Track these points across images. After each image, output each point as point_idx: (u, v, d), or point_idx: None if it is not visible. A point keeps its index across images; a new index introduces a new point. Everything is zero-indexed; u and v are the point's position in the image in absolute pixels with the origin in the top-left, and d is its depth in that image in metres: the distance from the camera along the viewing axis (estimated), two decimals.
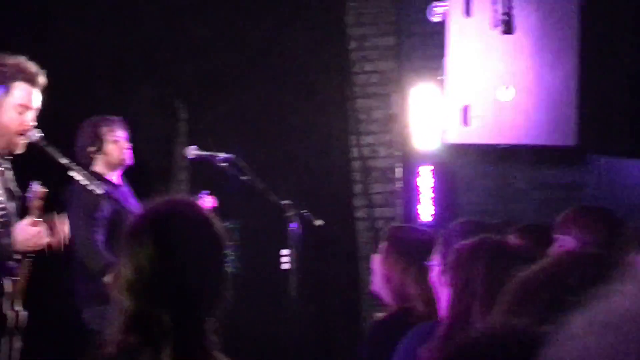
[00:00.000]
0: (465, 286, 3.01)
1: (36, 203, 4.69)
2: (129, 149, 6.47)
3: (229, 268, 2.32)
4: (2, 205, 4.80)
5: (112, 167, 6.42)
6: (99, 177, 6.27)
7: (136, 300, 2.22)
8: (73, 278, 6.20)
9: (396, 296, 4.08)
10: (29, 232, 4.65)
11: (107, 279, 6.06)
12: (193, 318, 2.22)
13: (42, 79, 4.84)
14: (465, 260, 3.03)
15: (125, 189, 6.48)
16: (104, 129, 6.39)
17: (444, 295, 3.18)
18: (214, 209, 6.26)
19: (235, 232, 7.46)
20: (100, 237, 6.03)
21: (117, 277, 2.28)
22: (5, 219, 4.81)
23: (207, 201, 6.40)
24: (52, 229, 4.86)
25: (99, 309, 6.16)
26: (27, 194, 4.70)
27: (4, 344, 4.77)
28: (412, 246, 4.09)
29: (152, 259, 2.21)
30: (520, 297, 1.83)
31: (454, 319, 3.02)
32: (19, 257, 4.74)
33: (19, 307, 4.79)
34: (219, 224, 2.31)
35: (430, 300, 3.71)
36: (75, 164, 4.98)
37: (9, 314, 4.75)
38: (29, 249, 4.70)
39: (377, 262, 4.23)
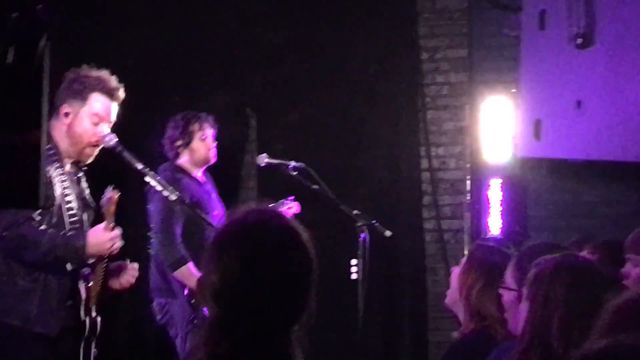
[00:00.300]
0: (544, 303, 2.99)
1: (110, 208, 4.73)
2: (214, 147, 6.59)
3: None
4: (77, 217, 4.84)
5: (196, 163, 6.58)
6: (183, 171, 6.45)
7: (222, 308, 2.23)
8: (147, 269, 6.32)
9: (473, 314, 4.01)
10: (103, 237, 4.69)
11: (178, 273, 6.21)
12: (278, 328, 2.23)
13: (120, 93, 4.90)
14: (546, 278, 3.01)
15: (209, 187, 6.60)
16: (194, 126, 6.55)
17: (520, 314, 3.14)
18: (296, 215, 6.32)
19: None
20: (178, 231, 6.18)
21: (202, 284, 2.29)
22: (78, 230, 4.85)
23: (291, 207, 6.46)
24: (121, 270, 4.92)
25: (166, 301, 6.29)
26: (102, 200, 4.75)
27: (81, 350, 4.82)
28: (493, 266, 4.02)
29: (238, 268, 2.21)
30: (617, 321, 1.82)
31: (532, 337, 3.00)
32: (92, 261, 4.79)
33: (94, 313, 4.84)
34: (305, 235, 2.32)
35: (506, 323, 3.69)
36: (149, 169, 5.01)
37: (87, 320, 4.80)
38: (103, 253, 4.74)
39: (455, 276, 4.17)
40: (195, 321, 6.12)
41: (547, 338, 2.95)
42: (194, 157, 6.57)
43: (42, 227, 4.63)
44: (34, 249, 4.59)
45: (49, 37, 2.06)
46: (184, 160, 6.58)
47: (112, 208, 4.73)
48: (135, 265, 4.96)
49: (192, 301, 6.16)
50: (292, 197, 6.53)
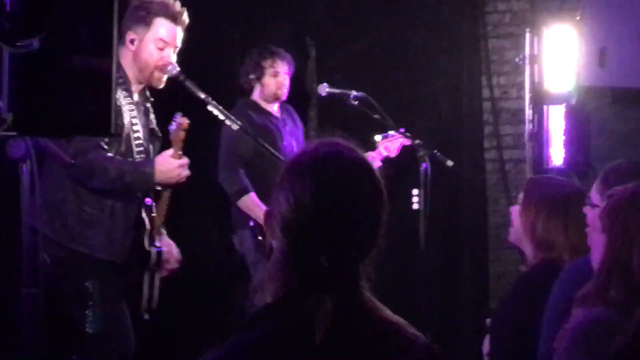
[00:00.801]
0: (624, 233, 2.96)
1: (179, 135, 4.73)
2: (286, 85, 6.61)
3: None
4: (143, 147, 4.87)
5: (267, 99, 6.62)
6: (255, 105, 6.50)
7: (292, 239, 2.21)
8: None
9: (541, 246, 4.01)
10: (171, 164, 4.70)
11: (241, 202, 6.29)
12: (349, 262, 2.21)
13: (184, 17, 4.89)
14: (623, 207, 2.97)
15: (285, 121, 6.65)
16: (267, 61, 6.59)
17: (598, 242, 3.12)
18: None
19: None
20: (241, 162, 6.25)
21: (270, 215, 2.27)
22: (144, 158, 4.88)
23: (399, 137, 6.48)
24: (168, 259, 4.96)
25: (241, 232, 6.38)
26: (170, 126, 4.76)
27: (145, 281, 4.88)
28: (554, 196, 4.02)
29: (309, 199, 2.19)
30: None
31: (611, 267, 2.97)
32: (158, 189, 4.82)
33: (157, 243, 4.88)
34: (378, 171, 2.30)
35: (577, 249, 3.68)
36: (215, 103, 5.01)
37: (152, 250, 4.85)
38: (170, 181, 4.75)
39: (516, 213, 4.16)
40: (261, 251, 6.20)
41: (628, 268, 2.93)
42: (264, 92, 6.61)
43: (110, 154, 4.66)
44: (102, 175, 4.62)
45: None
46: (256, 94, 6.65)
47: (181, 135, 4.73)
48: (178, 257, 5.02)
49: (257, 231, 6.23)
50: (403, 129, 6.51)
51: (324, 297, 2.13)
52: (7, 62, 2.05)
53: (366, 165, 2.27)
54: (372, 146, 6.67)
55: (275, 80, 6.60)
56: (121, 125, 4.68)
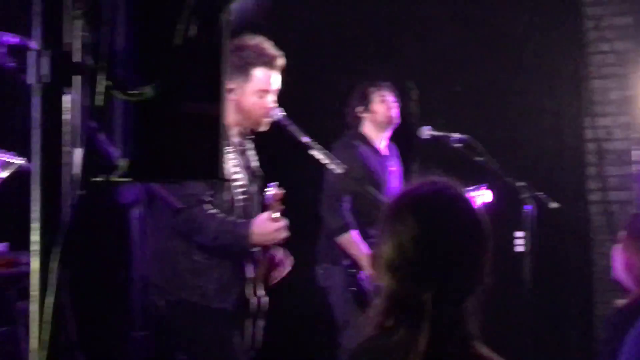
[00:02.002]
0: None
1: (274, 204, 4.77)
2: (396, 109, 6.65)
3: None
4: (246, 189, 4.91)
5: (379, 126, 6.66)
6: (363, 139, 6.54)
7: (396, 280, 2.23)
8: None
9: (638, 284, 3.99)
10: (267, 227, 4.72)
11: (341, 239, 6.29)
12: (452, 301, 2.21)
13: (280, 61, 4.91)
14: None
15: (391, 160, 6.67)
16: (372, 89, 6.67)
17: None
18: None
19: None
20: (345, 200, 6.26)
21: (376, 256, 2.29)
22: (247, 202, 4.92)
23: (484, 194, 6.44)
24: (273, 262, 4.98)
25: (328, 267, 6.37)
26: (266, 196, 4.80)
27: (247, 327, 4.91)
28: None
29: (414, 238, 2.20)
30: None
31: None
32: (256, 249, 4.86)
33: (261, 292, 4.91)
34: (480, 211, 2.30)
35: None
36: (315, 143, 5.04)
37: (252, 300, 4.88)
38: (267, 243, 4.79)
39: (617, 251, 4.13)
40: (353, 290, 6.20)
41: None
42: (376, 119, 6.67)
43: (212, 210, 4.71)
44: (203, 233, 4.68)
45: (227, 11, 2.11)
46: (366, 127, 6.71)
47: (276, 206, 4.77)
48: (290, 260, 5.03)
49: (351, 270, 6.23)
50: (486, 185, 6.48)
51: (421, 335, 2.14)
52: (120, 109, 2.10)
53: (467, 204, 2.27)
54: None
55: (384, 105, 6.66)
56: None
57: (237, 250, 4.78)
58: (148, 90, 2.01)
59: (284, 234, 4.77)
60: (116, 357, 4.10)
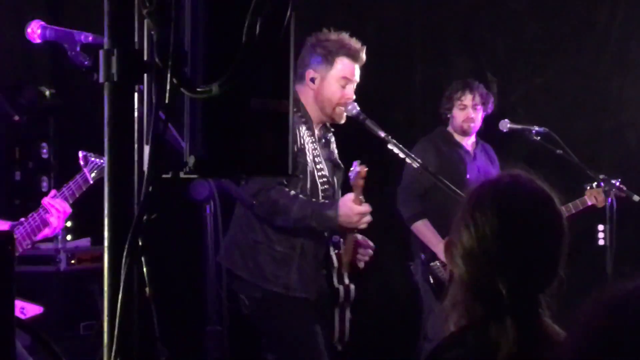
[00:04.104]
0: None
1: (358, 182, 4.79)
2: (475, 118, 6.59)
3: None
4: (326, 178, 4.95)
5: (456, 130, 6.64)
6: (447, 137, 6.53)
7: (473, 268, 2.23)
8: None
9: None
10: (352, 209, 4.76)
11: (415, 227, 6.30)
12: (529, 291, 2.21)
13: (362, 55, 4.98)
14: None
15: (479, 158, 6.63)
16: (457, 93, 6.64)
17: None
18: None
19: None
20: (420, 192, 6.25)
21: (450, 244, 2.29)
22: (329, 193, 4.96)
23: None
24: (357, 245, 4.98)
25: (417, 262, 6.39)
26: (350, 174, 4.83)
27: (336, 315, 4.94)
28: None
29: (490, 229, 2.21)
30: None
31: None
32: (340, 231, 4.88)
33: (347, 280, 4.93)
34: (558, 201, 2.30)
35: None
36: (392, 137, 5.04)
37: (340, 288, 4.91)
38: (351, 225, 4.81)
39: None
40: (429, 280, 6.22)
41: None
42: (453, 124, 6.65)
43: (292, 192, 4.75)
44: (284, 214, 4.72)
45: (293, 8, 2.11)
46: (450, 126, 6.74)
47: (360, 182, 4.79)
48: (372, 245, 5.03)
49: (428, 263, 6.24)
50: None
51: (508, 324, 2.14)
52: (187, 107, 2.12)
53: (546, 196, 2.27)
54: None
55: (462, 113, 6.61)
56: (303, 163, 4.77)
57: (323, 230, 4.82)
58: (215, 88, 2.02)
59: (368, 218, 4.79)
60: (193, 352, 4.13)
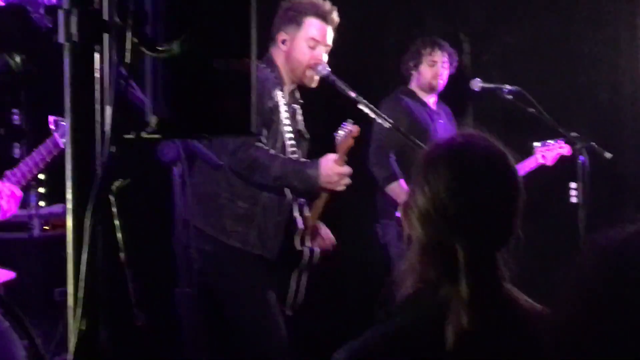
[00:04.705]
0: None
1: (348, 142, 4.78)
2: (443, 75, 6.59)
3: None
4: (294, 148, 4.93)
5: (423, 88, 6.62)
6: (411, 94, 6.51)
7: (430, 230, 2.23)
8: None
9: None
10: (334, 169, 4.74)
11: (390, 189, 6.28)
12: (486, 249, 2.21)
13: (335, 16, 4.94)
14: None
15: (440, 115, 6.61)
16: (427, 49, 6.60)
17: None
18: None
19: None
20: (392, 154, 6.22)
21: (408, 205, 2.29)
22: (296, 157, 4.95)
23: (561, 147, 6.42)
24: (315, 232, 4.98)
25: (386, 223, 6.37)
26: (338, 133, 4.81)
27: (293, 279, 4.94)
28: None
29: (447, 187, 2.21)
30: None
31: None
32: (317, 192, 4.87)
33: (308, 243, 4.93)
34: (511, 157, 2.30)
35: None
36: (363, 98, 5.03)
37: (304, 250, 4.90)
38: (331, 186, 4.80)
39: None
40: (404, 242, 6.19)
41: None
42: (420, 80, 6.63)
43: (272, 151, 4.74)
44: (264, 172, 4.69)
45: None
46: (413, 83, 6.69)
47: (350, 142, 4.78)
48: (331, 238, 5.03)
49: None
50: (562, 140, 6.50)
51: (462, 283, 2.14)
52: (150, 67, 2.10)
53: (500, 153, 2.27)
54: (529, 150, 6.63)
55: (432, 69, 6.60)
56: (277, 121, 4.77)
57: (302, 190, 4.81)
58: (175, 47, 2.01)
59: (347, 181, 4.79)
60: (164, 315, 4.13)
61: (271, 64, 4.91)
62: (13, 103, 6.51)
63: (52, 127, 4.70)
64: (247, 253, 4.79)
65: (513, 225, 2.25)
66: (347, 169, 4.75)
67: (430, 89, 6.63)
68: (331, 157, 4.76)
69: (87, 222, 2.05)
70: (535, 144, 6.60)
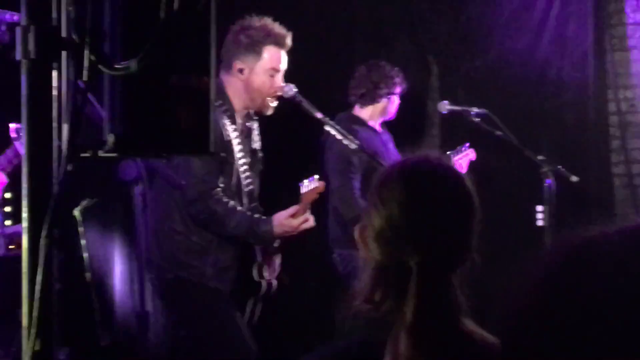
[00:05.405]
0: None
1: (311, 196, 4.78)
2: (397, 103, 6.52)
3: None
4: (249, 172, 4.91)
5: (374, 116, 6.47)
6: (360, 122, 6.37)
7: (384, 249, 2.22)
8: (328, 220, 6.33)
9: None
10: (290, 224, 4.76)
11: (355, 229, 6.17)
12: (440, 269, 2.21)
13: (289, 41, 4.91)
14: None
15: (386, 137, 6.53)
16: (398, 79, 6.45)
17: None
18: (472, 162, 6.29)
19: None
20: (356, 184, 6.11)
21: (364, 227, 2.29)
22: (252, 186, 4.94)
23: (468, 154, 6.40)
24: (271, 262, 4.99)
25: (348, 252, 6.28)
26: (304, 185, 4.80)
27: (249, 306, 4.95)
28: None
29: (401, 204, 2.21)
30: None
31: None
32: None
33: (267, 275, 4.93)
34: (469, 181, 2.30)
35: None
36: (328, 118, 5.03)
37: (262, 282, 4.90)
38: (288, 235, 4.82)
39: None
40: None
41: None
42: (375, 110, 6.46)
43: (231, 202, 4.72)
44: (221, 226, 4.72)
45: None
46: (363, 111, 6.49)
47: (313, 197, 4.78)
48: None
49: None
50: (468, 144, 6.46)
51: (407, 308, 2.13)
52: (107, 84, 2.08)
53: (454, 173, 2.28)
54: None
55: (392, 103, 6.46)
56: (232, 159, 4.76)
57: (256, 243, 4.83)
58: (133, 64, 1.99)
59: (310, 224, 4.80)
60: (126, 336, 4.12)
61: (220, 93, 4.79)
62: None
63: (13, 135, 4.66)
64: (204, 285, 4.78)
65: (468, 245, 2.25)
66: (307, 218, 4.76)
67: (385, 117, 6.51)
68: (284, 214, 4.78)
69: (42, 241, 2.03)
70: (449, 152, 6.49)
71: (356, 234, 2.32)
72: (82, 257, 4.00)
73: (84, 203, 4.13)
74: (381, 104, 6.45)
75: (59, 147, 2.09)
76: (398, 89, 6.48)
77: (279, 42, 4.86)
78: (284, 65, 4.91)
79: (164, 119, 2.11)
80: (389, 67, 6.51)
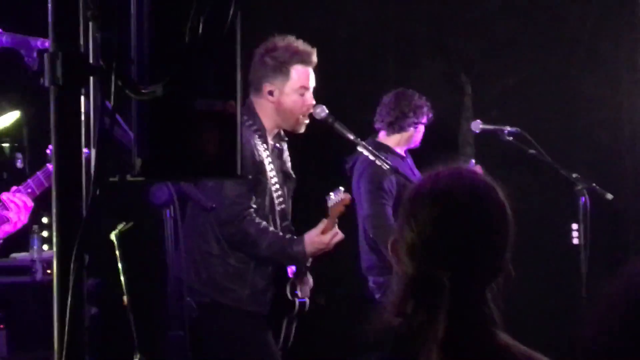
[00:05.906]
0: None
1: (338, 209, 4.79)
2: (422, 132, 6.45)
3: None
4: (280, 192, 4.92)
5: (402, 145, 6.41)
6: (386, 149, 6.32)
7: (416, 263, 2.21)
8: (360, 248, 6.31)
9: None
10: (320, 241, 4.77)
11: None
12: (473, 283, 2.19)
13: (314, 57, 4.91)
14: None
15: (409, 161, 6.49)
16: (425, 109, 6.35)
17: None
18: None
19: None
20: (389, 210, 6.07)
21: (396, 243, 2.27)
22: (284, 206, 4.94)
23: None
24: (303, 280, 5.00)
25: (384, 279, 6.26)
26: (330, 198, 4.81)
27: (283, 326, 4.95)
28: None
29: (433, 218, 2.19)
30: None
31: None
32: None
33: (300, 293, 4.93)
34: (501, 191, 2.27)
35: None
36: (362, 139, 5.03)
37: (296, 301, 4.90)
38: (321, 252, 4.83)
39: None
40: None
41: None
42: (402, 139, 6.40)
43: (263, 223, 4.73)
44: (253, 248, 4.73)
45: (238, 7, 2.10)
46: (389, 139, 6.40)
47: (340, 209, 4.79)
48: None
49: None
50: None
51: (438, 324, 2.12)
52: (135, 109, 2.10)
53: (487, 185, 2.25)
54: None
55: (418, 130, 6.39)
56: (264, 182, 4.77)
57: (289, 264, 4.85)
58: (158, 89, 2.01)
59: (338, 238, 4.80)
60: (155, 357, 4.12)
61: (251, 114, 4.84)
62: (16, 148, 6.52)
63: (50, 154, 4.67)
64: (240, 310, 4.79)
65: (502, 259, 2.22)
66: (336, 233, 4.76)
67: (411, 145, 6.46)
68: (314, 231, 4.78)
69: (72, 266, 2.04)
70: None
71: (389, 247, 2.30)
72: (119, 281, 4.04)
73: (120, 226, 4.16)
74: (408, 132, 6.36)
75: (88, 172, 2.10)
76: (425, 119, 6.42)
77: (305, 60, 4.87)
78: (312, 82, 4.92)
79: (190, 143, 2.12)
80: (418, 96, 6.41)
